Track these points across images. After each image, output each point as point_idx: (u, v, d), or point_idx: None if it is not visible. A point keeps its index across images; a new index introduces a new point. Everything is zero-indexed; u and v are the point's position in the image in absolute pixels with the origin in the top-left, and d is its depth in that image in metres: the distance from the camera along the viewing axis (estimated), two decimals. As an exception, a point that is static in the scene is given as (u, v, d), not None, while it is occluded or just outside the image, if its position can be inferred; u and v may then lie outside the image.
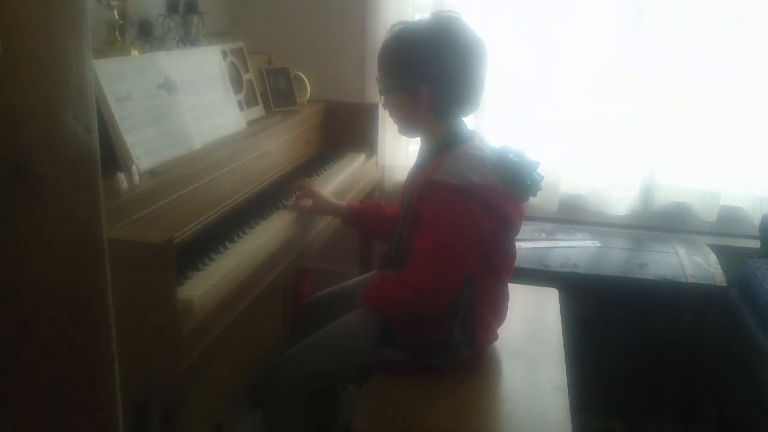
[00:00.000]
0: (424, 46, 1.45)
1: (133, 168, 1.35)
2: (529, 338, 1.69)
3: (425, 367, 1.50)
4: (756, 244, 2.36)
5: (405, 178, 2.56)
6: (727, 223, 2.49)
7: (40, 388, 0.63)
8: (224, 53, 1.92)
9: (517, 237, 1.58)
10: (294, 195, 1.76)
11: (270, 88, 2.17)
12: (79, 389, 0.68)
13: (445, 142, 1.50)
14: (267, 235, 1.53)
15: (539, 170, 1.48)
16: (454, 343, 1.49)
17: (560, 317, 1.78)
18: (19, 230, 0.53)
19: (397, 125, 1.60)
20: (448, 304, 1.46)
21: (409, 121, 1.55)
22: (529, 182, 1.46)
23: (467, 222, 1.40)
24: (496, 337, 1.60)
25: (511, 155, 1.47)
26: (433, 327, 1.49)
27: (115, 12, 1.70)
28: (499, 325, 1.61)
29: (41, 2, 0.53)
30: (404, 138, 2.59)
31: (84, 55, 0.55)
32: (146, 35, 1.96)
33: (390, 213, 1.75)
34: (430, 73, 1.45)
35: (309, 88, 2.33)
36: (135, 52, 1.73)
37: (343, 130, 2.42)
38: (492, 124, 2.48)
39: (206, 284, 1.26)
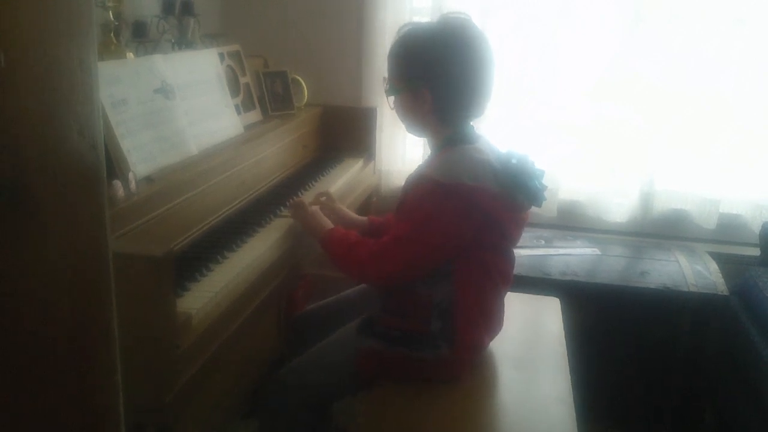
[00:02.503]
0: (428, 50, 1.43)
1: (130, 175, 1.31)
2: (532, 348, 1.66)
3: (404, 357, 1.46)
4: (755, 251, 2.35)
5: (401, 183, 2.57)
6: (727, 230, 2.47)
7: (42, 412, 0.60)
8: (221, 56, 1.88)
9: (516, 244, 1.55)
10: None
11: (267, 92, 2.13)
12: (81, 415, 0.64)
13: (447, 142, 1.49)
14: (266, 243, 1.49)
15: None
16: (432, 336, 1.46)
17: (563, 327, 1.75)
18: (20, 253, 0.49)
19: (404, 124, 1.57)
20: (424, 298, 1.45)
21: (415, 123, 1.53)
22: (531, 190, 1.43)
23: (446, 220, 1.38)
24: (486, 344, 1.56)
25: (513, 160, 1.44)
26: (412, 318, 1.47)
27: (110, 13, 1.65)
28: (492, 332, 1.57)
29: (43, 7, 0.49)
30: (400, 142, 2.58)
31: (90, 65, 0.51)
32: (141, 37, 1.91)
33: None
34: (434, 78, 1.43)
35: (306, 92, 2.30)
36: (130, 55, 1.68)
37: (340, 135, 2.39)
38: (489, 128, 2.44)
39: (205, 296, 1.22)
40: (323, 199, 1.74)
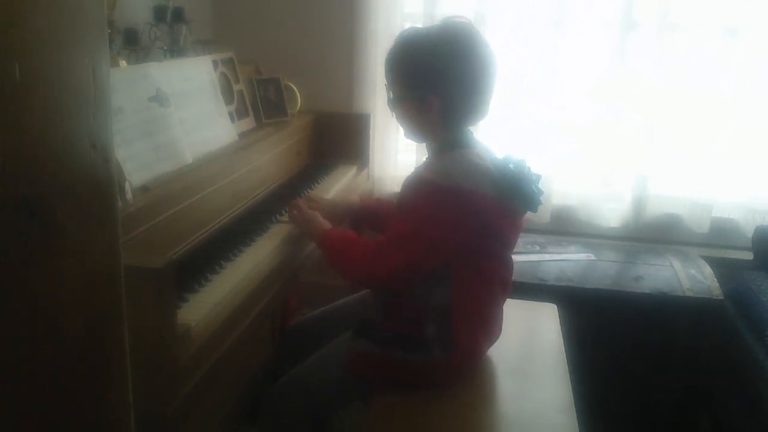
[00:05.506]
0: (435, 57, 1.41)
1: (126, 185, 1.29)
2: (531, 356, 1.65)
3: (396, 360, 1.45)
4: (748, 255, 2.36)
5: (395, 188, 2.56)
6: (720, 234, 2.48)
7: (56, 427, 0.58)
8: (215, 64, 1.86)
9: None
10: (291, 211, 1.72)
11: (260, 99, 2.12)
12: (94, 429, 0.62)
13: (446, 146, 1.48)
14: (264, 252, 1.48)
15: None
16: (426, 341, 1.45)
17: (561, 335, 1.74)
18: (40, 267, 0.48)
19: (403, 130, 1.56)
20: (421, 303, 1.44)
21: (418, 130, 1.52)
22: (528, 195, 1.43)
23: (444, 219, 1.37)
24: (484, 351, 1.55)
25: (511, 165, 1.44)
26: (407, 322, 1.46)
27: (103, 21, 1.63)
28: (491, 340, 1.56)
29: (56, 17, 0.47)
30: (393, 148, 2.57)
31: (103, 75, 0.49)
32: (132, 44, 1.89)
33: None
34: (441, 86, 1.41)
35: (299, 99, 2.28)
36: (123, 62, 1.66)
37: (334, 142, 2.38)
38: (489, 127, 2.42)
39: (205, 307, 1.20)
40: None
